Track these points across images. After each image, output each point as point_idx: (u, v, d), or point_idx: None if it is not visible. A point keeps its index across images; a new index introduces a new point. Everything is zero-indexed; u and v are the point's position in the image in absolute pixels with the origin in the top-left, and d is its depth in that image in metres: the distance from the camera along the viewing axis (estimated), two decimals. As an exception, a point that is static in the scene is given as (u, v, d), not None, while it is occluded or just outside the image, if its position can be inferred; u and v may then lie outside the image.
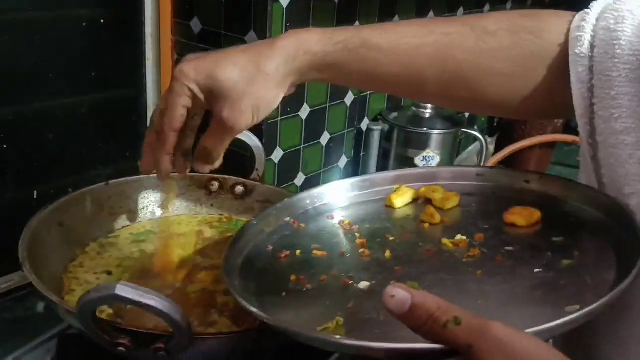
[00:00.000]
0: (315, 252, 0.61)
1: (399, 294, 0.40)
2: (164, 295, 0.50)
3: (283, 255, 0.61)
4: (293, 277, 0.57)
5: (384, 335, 0.46)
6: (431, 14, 1.28)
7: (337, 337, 0.45)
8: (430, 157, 1.15)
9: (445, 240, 0.59)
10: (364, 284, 0.54)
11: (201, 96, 0.57)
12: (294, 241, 0.64)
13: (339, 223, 0.66)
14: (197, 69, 0.57)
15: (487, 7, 1.47)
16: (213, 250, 0.76)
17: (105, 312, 0.63)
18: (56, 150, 0.93)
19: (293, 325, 0.48)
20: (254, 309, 0.49)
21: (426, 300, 0.40)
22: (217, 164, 0.64)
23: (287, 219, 0.67)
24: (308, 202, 0.69)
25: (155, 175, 0.65)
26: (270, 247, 0.63)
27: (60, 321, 0.74)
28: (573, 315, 0.42)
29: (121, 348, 0.54)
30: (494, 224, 0.61)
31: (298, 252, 0.61)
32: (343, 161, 1.19)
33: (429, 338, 0.40)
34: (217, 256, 0.74)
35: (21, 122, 0.88)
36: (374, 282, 0.54)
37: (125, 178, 0.80)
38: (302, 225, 0.66)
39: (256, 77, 0.56)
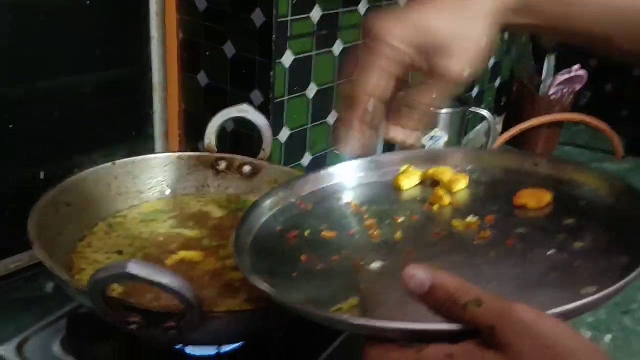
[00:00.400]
0: (324, 232, 0.61)
1: (419, 274, 0.40)
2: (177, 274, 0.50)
3: (292, 235, 0.61)
4: (303, 257, 0.57)
5: (399, 316, 0.46)
6: None
7: (354, 317, 0.45)
8: (437, 137, 1.14)
9: (455, 222, 0.59)
10: (375, 265, 0.54)
11: (409, 53, 0.54)
12: (302, 221, 0.63)
13: (347, 204, 0.66)
14: (401, 24, 0.54)
15: None
16: (222, 230, 0.76)
17: (115, 290, 0.63)
18: (62, 130, 0.93)
19: (307, 305, 0.47)
20: (266, 289, 0.49)
21: (446, 281, 0.40)
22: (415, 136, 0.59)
23: (294, 199, 0.67)
24: (315, 182, 0.68)
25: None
26: (279, 227, 0.62)
27: (70, 300, 0.74)
28: (592, 297, 0.41)
29: (132, 326, 0.54)
30: (504, 206, 0.60)
31: (307, 232, 0.61)
32: (350, 142, 1.18)
33: (449, 319, 0.39)
34: (226, 236, 0.74)
35: (27, 101, 0.88)
36: (385, 263, 0.54)
37: (132, 157, 0.80)
38: (309, 206, 0.66)
39: (466, 19, 0.54)
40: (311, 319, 0.45)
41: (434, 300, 0.39)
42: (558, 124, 1.45)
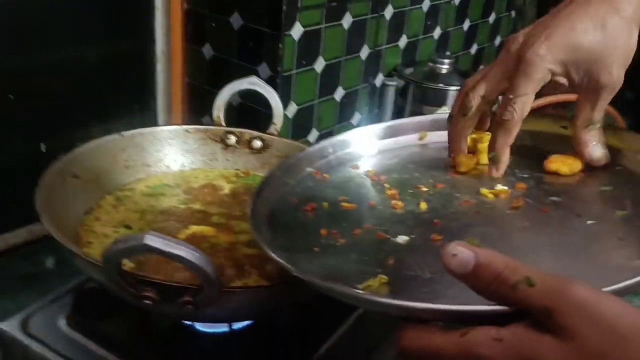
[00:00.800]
0: (343, 204, 0.58)
1: (462, 252, 0.37)
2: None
3: (309, 208, 0.58)
4: (324, 231, 0.54)
5: (432, 294, 0.43)
6: (438, 29, 1.26)
7: (390, 298, 0.42)
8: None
9: (484, 191, 0.56)
10: (402, 239, 0.51)
11: (562, 74, 0.53)
12: (319, 193, 0.60)
13: (365, 173, 0.62)
14: (551, 46, 0.52)
15: (492, 16, 1.44)
16: (232, 205, 0.74)
17: (127, 265, 0.61)
18: (64, 102, 0.90)
19: (334, 282, 0.44)
20: (289, 265, 0.47)
21: (493, 259, 0.37)
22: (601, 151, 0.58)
23: (309, 169, 0.64)
24: (330, 150, 0.65)
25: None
26: (295, 199, 0.59)
27: (73, 276, 0.72)
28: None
29: (147, 301, 0.52)
30: (534, 172, 0.58)
31: (325, 204, 0.58)
32: (357, 118, 1.16)
33: (495, 300, 0.37)
34: (238, 211, 0.72)
35: (28, 73, 0.85)
36: (412, 236, 0.51)
37: (140, 129, 0.78)
38: (326, 175, 0.63)
39: (612, 30, 0.52)
40: (338, 297, 0.42)
41: (479, 280, 0.37)
42: (563, 105, 1.44)
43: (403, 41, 1.19)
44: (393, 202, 0.57)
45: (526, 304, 0.35)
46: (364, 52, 1.10)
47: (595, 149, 0.57)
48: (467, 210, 0.54)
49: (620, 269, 0.42)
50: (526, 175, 0.58)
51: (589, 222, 0.49)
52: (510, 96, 0.54)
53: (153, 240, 0.46)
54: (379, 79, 1.17)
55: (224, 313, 0.58)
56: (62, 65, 0.89)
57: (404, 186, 0.59)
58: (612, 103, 1.44)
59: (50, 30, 0.86)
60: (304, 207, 0.58)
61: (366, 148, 0.66)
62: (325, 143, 0.66)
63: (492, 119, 0.59)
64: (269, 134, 0.82)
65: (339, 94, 1.08)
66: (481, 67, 1.47)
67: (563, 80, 0.54)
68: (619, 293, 0.37)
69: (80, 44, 0.91)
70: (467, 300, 0.38)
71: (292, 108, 1.00)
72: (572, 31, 0.53)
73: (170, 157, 0.80)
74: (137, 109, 1.02)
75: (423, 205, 0.56)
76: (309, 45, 0.97)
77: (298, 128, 1.03)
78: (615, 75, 0.53)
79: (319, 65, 1.01)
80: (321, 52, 1.00)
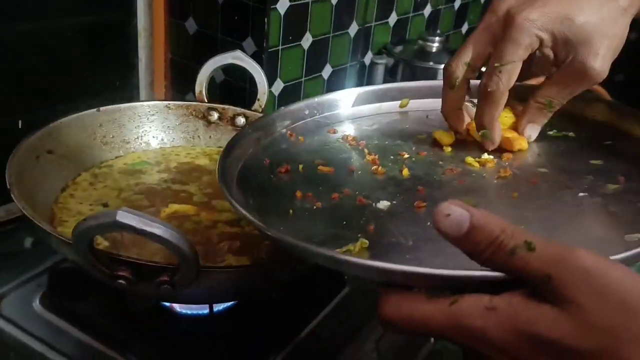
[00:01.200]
0: (320, 167, 0.55)
1: (456, 212, 0.33)
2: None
3: (283, 170, 0.55)
4: (299, 194, 0.51)
5: (416, 261, 0.41)
6: (428, 7, 1.24)
7: (372, 260, 0.38)
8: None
9: (469, 159, 0.54)
10: (383, 204, 0.49)
11: (549, 45, 0.50)
12: (294, 155, 0.57)
13: (343, 138, 0.60)
14: (545, 13, 0.49)
15: None
16: (214, 184, 0.72)
17: (101, 244, 0.59)
18: (41, 77, 0.87)
19: (311, 243, 0.40)
20: (263, 225, 0.43)
21: (490, 221, 0.33)
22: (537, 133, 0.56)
23: (284, 130, 0.60)
24: (307, 112, 0.62)
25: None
26: (267, 160, 0.56)
27: (50, 255, 0.70)
28: None
29: (121, 281, 0.50)
30: None
31: (300, 166, 0.55)
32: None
33: (490, 266, 0.34)
34: (219, 190, 0.70)
35: (3, 46, 0.81)
36: (394, 202, 0.49)
37: (118, 105, 0.75)
38: (301, 138, 0.60)
39: (613, 15, 0.50)
40: (314, 260, 0.39)
41: (474, 244, 0.33)
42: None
43: (393, 18, 1.17)
44: (374, 167, 0.54)
45: (524, 271, 0.32)
46: (353, 29, 1.07)
47: (535, 130, 0.55)
48: (452, 179, 0.52)
49: (612, 242, 0.40)
50: None
51: (580, 194, 0.48)
52: (496, 64, 0.51)
53: (126, 217, 0.44)
54: (368, 57, 1.15)
55: (202, 294, 0.56)
56: (39, 38, 0.86)
57: (385, 152, 0.57)
58: (603, 85, 1.42)
59: (26, 1, 0.82)
60: (277, 169, 0.55)
61: (345, 112, 0.63)
62: (301, 104, 0.62)
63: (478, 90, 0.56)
64: (253, 110, 0.80)
65: (327, 71, 1.06)
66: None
67: (548, 51, 0.50)
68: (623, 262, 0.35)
69: (58, 17, 0.87)
70: (455, 267, 0.35)
71: (278, 85, 0.97)
72: (568, 5, 0.50)
73: (151, 133, 0.77)
74: (119, 85, 0.98)
75: (405, 172, 0.53)
76: (296, 21, 0.94)
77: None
78: (600, 65, 0.50)
79: (306, 41, 0.98)
80: (308, 27, 0.97)
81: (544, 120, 0.55)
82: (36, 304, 0.64)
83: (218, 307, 0.63)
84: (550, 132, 0.58)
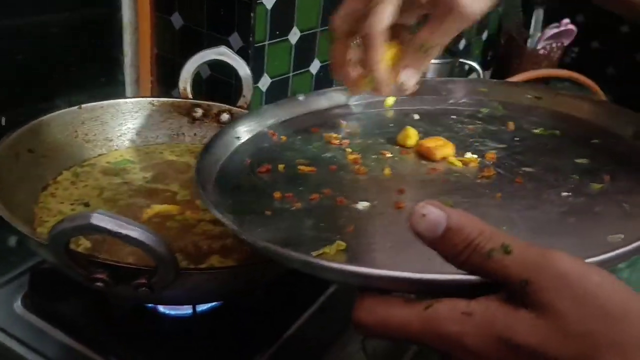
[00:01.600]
0: (301, 167, 0.54)
1: (433, 213, 0.32)
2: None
3: (263, 170, 0.54)
4: (278, 195, 0.50)
5: (394, 264, 0.40)
6: None
7: (345, 263, 0.37)
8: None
9: (452, 159, 0.53)
10: (363, 205, 0.48)
11: None
12: (275, 155, 0.56)
13: (325, 137, 0.59)
14: None
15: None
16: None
17: (83, 245, 0.58)
18: (25, 73, 0.86)
19: (284, 248, 0.39)
20: (235, 227, 0.42)
21: (467, 223, 0.32)
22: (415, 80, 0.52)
23: (265, 129, 0.59)
24: (289, 111, 0.62)
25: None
26: (248, 160, 0.55)
27: (33, 255, 0.69)
28: (632, 245, 0.36)
29: (99, 283, 0.49)
30: (505, 142, 0.55)
31: (281, 166, 0.54)
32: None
33: (466, 269, 0.33)
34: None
35: (-15, 41, 0.81)
36: (375, 202, 0.48)
37: (101, 102, 0.74)
38: (283, 137, 0.59)
39: None
40: (288, 264, 0.38)
41: (451, 247, 0.32)
42: (544, 80, 1.42)
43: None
44: (355, 167, 0.54)
45: (501, 275, 0.31)
46: (341, 24, 1.06)
47: (411, 76, 0.51)
48: (435, 178, 0.51)
49: (597, 243, 0.40)
50: (496, 145, 0.55)
51: (564, 194, 0.47)
52: (369, 7, 0.48)
53: (101, 220, 0.43)
54: (357, 52, 1.14)
55: (184, 295, 0.55)
56: (22, 33, 0.84)
57: (367, 151, 0.56)
58: (594, 79, 1.41)
59: (8, -4, 0.81)
60: (257, 169, 0.54)
61: (328, 111, 0.62)
62: (283, 102, 0.62)
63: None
64: (238, 107, 0.79)
65: (315, 66, 1.05)
66: (462, 41, 1.43)
67: None
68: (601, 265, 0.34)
69: (41, 12, 0.86)
70: (431, 270, 0.34)
71: (265, 80, 0.96)
72: None
73: (134, 131, 0.76)
74: (104, 81, 0.97)
75: (387, 172, 0.52)
76: (283, 15, 0.93)
77: (271, 102, 0.99)
78: (473, 5, 0.47)
79: (294, 36, 0.97)
80: (296, 22, 0.96)
81: (421, 65, 0.51)
82: (17, 305, 0.63)
83: (202, 307, 0.62)
84: (536, 130, 0.58)
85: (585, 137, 0.55)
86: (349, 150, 0.56)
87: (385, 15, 0.48)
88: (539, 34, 1.41)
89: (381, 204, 0.48)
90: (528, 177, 0.50)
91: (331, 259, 0.41)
